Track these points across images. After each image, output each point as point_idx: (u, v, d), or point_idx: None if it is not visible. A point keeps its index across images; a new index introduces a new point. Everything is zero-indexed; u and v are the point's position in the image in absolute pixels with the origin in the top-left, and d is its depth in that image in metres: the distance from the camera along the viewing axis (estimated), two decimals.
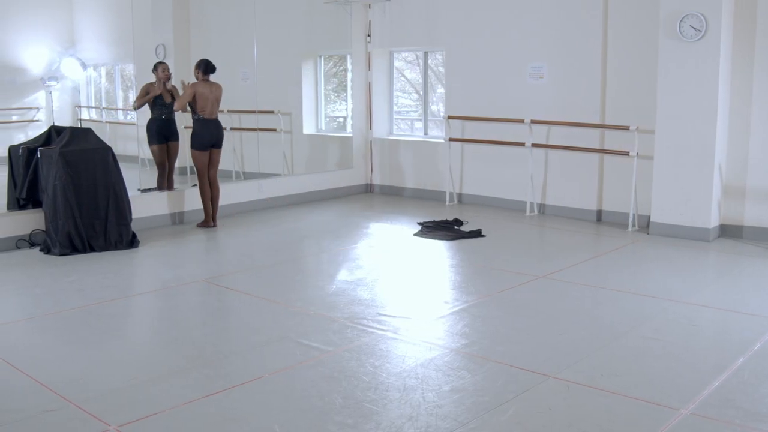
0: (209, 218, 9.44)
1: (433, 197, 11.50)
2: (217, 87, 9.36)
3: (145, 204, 9.33)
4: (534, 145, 10.17)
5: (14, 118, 10.37)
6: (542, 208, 10.36)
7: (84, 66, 10.94)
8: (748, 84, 8.54)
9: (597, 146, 9.72)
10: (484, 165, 10.97)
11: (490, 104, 10.65)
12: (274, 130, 11.73)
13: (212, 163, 9.43)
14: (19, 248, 8.20)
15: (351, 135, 12.23)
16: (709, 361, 5.04)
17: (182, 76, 11.45)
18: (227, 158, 11.78)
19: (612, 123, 9.54)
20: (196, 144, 9.25)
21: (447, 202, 11.15)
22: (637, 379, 4.71)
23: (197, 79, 9.28)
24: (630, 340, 5.44)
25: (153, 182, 10.13)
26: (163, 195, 9.73)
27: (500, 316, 6.05)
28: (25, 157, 8.40)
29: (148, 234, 8.96)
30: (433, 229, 9.21)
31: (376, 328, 5.68)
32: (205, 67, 9.29)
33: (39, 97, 10.48)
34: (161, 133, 9.89)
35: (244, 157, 11.76)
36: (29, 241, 8.27)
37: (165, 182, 9.94)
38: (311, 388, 4.61)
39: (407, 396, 4.45)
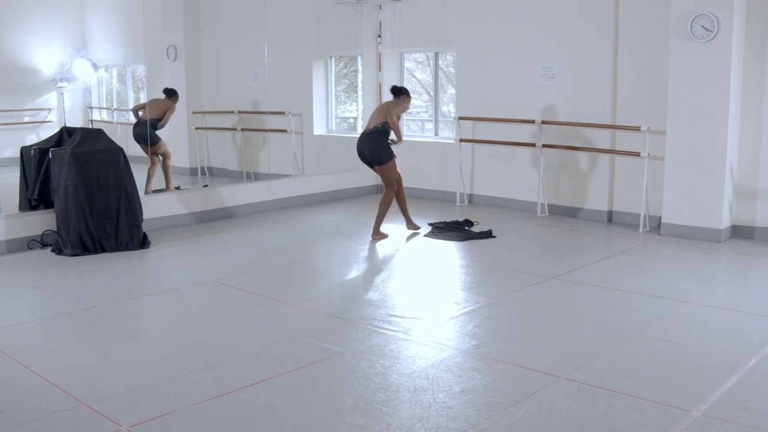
0: (412, 223, 9.26)
1: (444, 198, 11.50)
2: (389, 103, 8.90)
3: (157, 204, 9.36)
4: (545, 146, 10.16)
5: (26, 119, 10.41)
6: (553, 208, 10.34)
7: (95, 67, 10.98)
8: (760, 84, 8.50)
9: (608, 147, 9.70)
10: (494, 166, 10.96)
11: (501, 105, 10.64)
12: (285, 131, 11.75)
13: (379, 178, 9.23)
14: (30, 249, 8.23)
15: None
16: (720, 363, 5.03)
17: (194, 79, 11.52)
18: (237, 159, 11.83)
19: (623, 124, 9.51)
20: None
21: (457, 203, 11.15)
22: (648, 380, 4.70)
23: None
24: (641, 341, 5.43)
25: (161, 183, 10.18)
26: (175, 196, 9.76)
27: (511, 317, 6.04)
28: (36, 158, 8.44)
29: (159, 234, 8.98)
30: (444, 229, 9.21)
31: (386, 329, 5.68)
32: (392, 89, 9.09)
33: (51, 98, 10.52)
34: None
35: (255, 157, 11.78)
36: (41, 242, 8.30)
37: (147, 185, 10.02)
38: (322, 388, 4.61)
39: (418, 397, 4.45)
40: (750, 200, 8.70)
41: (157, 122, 10.13)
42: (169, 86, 10.56)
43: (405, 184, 12.07)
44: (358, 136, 8.96)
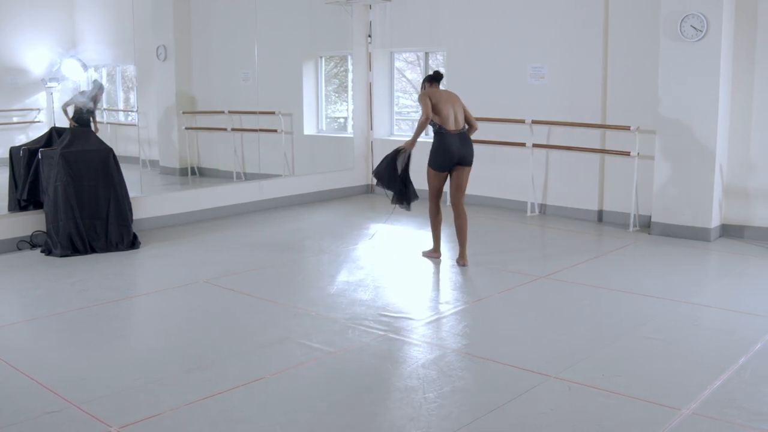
0: (438, 247, 7.89)
1: None
2: (454, 96, 7.71)
3: (147, 205, 9.33)
4: (535, 146, 10.17)
5: (15, 120, 10.36)
6: (543, 208, 10.36)
7: (85, 67, 10.93)
8: (749, 84, 8.54)
9: (598, 146, 9.72)
10: (485, 165, 10.92)
11: (491, 104, 10.64)
12: (275, 130, 11.73)
13: (457, 187, 7.69)
14: (20, 249, 8.20)
15: (352, 136, 12.22)
16: (710, 361, 5.05)
17: (184, 78, 11.49)
18: (228, 159, 11.81)
19: (613, 123, 9.54)
20: (432, 161, 7.59)
21: (447, 202, 11.12)
22: (638, 379, 4.71)
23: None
24: (631, 340, 5.44)
25: (155, 184, 10.14)
26: (165, 196, 9.73)
27: (501, 317, 6.05)
28: (26, 159, 8.40)
29: (150, 235, 8.95)
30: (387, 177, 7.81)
31: (377, 329, 5.68)
32: (432, 76, 7.72)
33: (40, 98, 10.46)
34: None
35: (246, 157, 11.76)
36: (30, 243, 8.27)
37: None
38: (312, 388, 4.61)
39: (408, 396, 4.45)
40: (739, 199, 8.73)
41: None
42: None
43: None
44: (450, 135, 7.46)
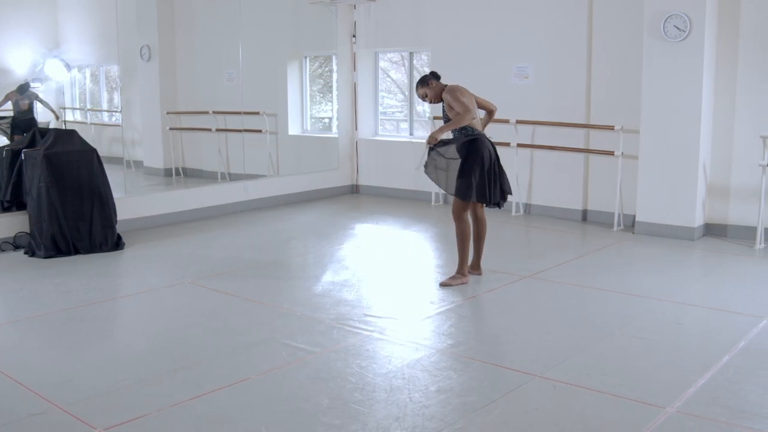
0: (465, 268, 6.84)
1: (418, 197, 11.50)
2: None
3: (131, 206, 9.29)
4: (519, 145, 10.19)
5: None
6: (528, 208, 10.38)
7: (68, 67, 10.88)
8: (732, 83, 8.58)
9: (582, 146, 9.75)
10: None
11: None
12: (260, 131, 11.71)
13: None
14: (3, 251, 8.15)
15: (337, 136, 12.22)
16: (694, 360, 5.07)
17: (168, 79, 11.43)
18: (212, 159, 11.78)
19: (597, 123, 9.57)
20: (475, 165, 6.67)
21: (432, 203, 11.16)
22: (623, 377, 4.72)
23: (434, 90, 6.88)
24: (616, 339, 5.46)
25: (140, 184, 10.09)
26: (149, 197, 9.69)
27: (486, 316, 6.06)
28: (9, 159, 8.36)
29: (134, 236, 8.91)
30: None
31: (362, 329, 5.68)
32: (435, 74, 7.03)
33: None
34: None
35: (230, 158, 11.74)
36: (13, 244, 8.22)
37: None
38: (298, 389, 4.60)
39: (394, 396, 4.45)
40: (722, 198, 8.78)
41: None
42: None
43: (380, 183, 12.12)
44: (481, 136, 6.74)
